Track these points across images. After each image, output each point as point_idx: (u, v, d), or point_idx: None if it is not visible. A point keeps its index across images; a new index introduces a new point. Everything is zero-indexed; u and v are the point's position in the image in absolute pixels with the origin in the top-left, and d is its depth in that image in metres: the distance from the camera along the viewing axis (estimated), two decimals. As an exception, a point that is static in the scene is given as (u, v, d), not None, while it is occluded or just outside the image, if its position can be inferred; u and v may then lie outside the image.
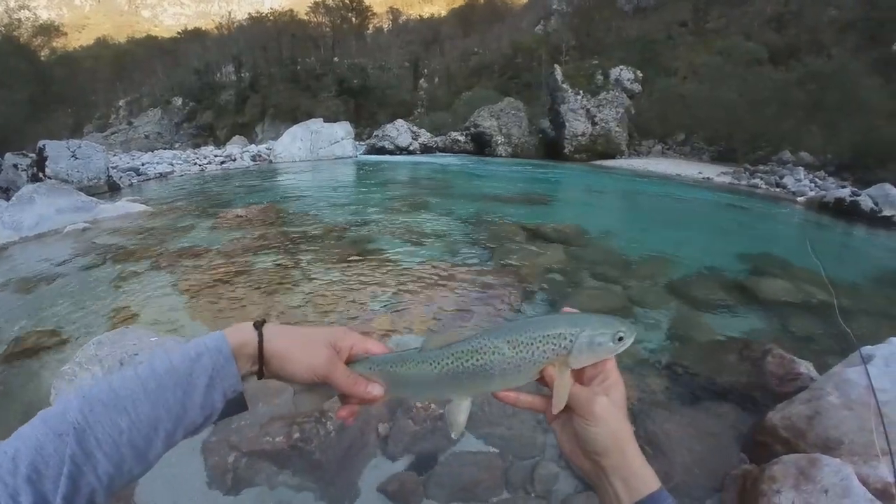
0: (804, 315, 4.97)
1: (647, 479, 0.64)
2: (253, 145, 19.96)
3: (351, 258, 6.29)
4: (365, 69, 29.85)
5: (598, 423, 0.64)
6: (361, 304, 5.08)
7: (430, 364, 0.70)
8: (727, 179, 12.75)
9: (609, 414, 0.65)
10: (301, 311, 4.94)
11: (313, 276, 5.78)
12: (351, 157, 15.98)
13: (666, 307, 5.12)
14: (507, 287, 5.47)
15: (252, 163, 15.31)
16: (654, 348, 4.36)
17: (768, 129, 13.81)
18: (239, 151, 16.99)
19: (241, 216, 7.97)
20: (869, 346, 3.27)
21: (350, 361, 0.74)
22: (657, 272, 6.07)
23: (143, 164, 13.33)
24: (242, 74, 40.43)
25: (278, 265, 6.09)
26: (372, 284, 5.55)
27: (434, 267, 6.03)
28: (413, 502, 2.90)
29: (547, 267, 6.19)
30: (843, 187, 10.70)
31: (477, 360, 0.68)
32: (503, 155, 17.30)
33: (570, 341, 0.65)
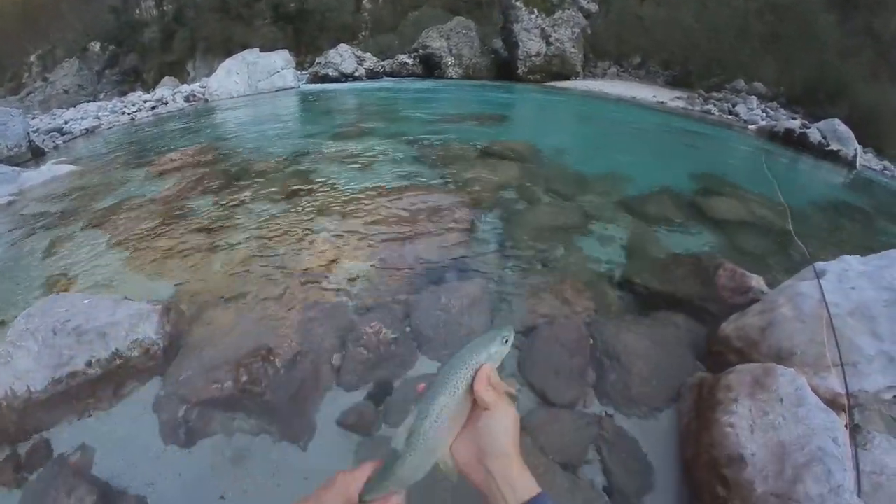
0: (753, 234, 5.10)
1: (530, 484, 0.72)
2: (185, 85, 18.02)
3: (295, 189, 5.92)
4: (302, -9, 26.96)
5: (497, 413, 0.77)
6: (306, 234, 4.79)
7: (413, 449, 0.79)
8: (681, 104, 12.76)
9: (507, 407, 0.78)
10: (245, 248, 4.61)
11: (256, 211, 5.41)
12: (293, 88, 14.79)
13: (620, 223, 5.14)
14: (457, 205, 5.28)
15: (186, 104, 13.86)
16: (608, 263, 4.36)
17: (724, 56, 13.83)
18: (170, 93, 15.32)
19: (176, 160, 7.31)
20: (821, 262, 3.30)
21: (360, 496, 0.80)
22: (611, 189, 6.05)
23: (66, 123, 11.87)
24: (165, 7, 35.36)
25: (218, 205, 5.66)
26: (317, 214, 5.24)
27: (381, 191, 5.75)
28: (374, 432, 2.81)
29: (500, 184, 6.02)
30: (794, 119, 10.91)
31: (435, 419, 0.79)
32: (454, 77, 16.50)
33: (479, 363, 0.82)
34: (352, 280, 4.01)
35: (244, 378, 3.14)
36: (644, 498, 2.44)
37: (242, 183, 6.23)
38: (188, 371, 3.24)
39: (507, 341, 0.86)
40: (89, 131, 11.01)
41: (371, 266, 4.16)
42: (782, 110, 12.42)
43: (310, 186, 5.95)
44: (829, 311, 2.86)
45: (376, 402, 2.98)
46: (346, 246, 4.52)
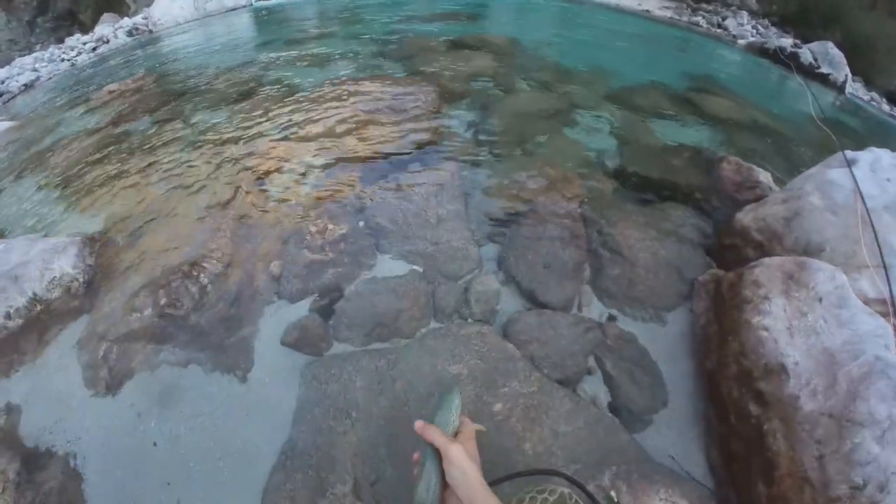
0: (753, 135, 4.55)
1: None
2: (126, 19, 15.41)
3: (242, 95, 5.08)
4: None
5: (452, 464, 0.86)
6: (252, 138, 4.05)
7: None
8: (668, 14, 11.66)
9: (460, 457, 0.87)
10: (184, 163, 3.87)
11: (197, 123, 4.61)
12: (245, 6, 12.85)
13: (608, 112, 4.50)
14: (424, 93, 4.48)
15: (129, 38, 11.89)
16: (601, 152, 3.74)
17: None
18: (111, 30, 13.06)
19: (114, 91, 6.25)
20: (850, 151, 2.80)
21: None
22: (597, 81, 5.33)
23: (2, 83, 9.99)
24: None
25: (156, 124, 4.83)
26: (266, 116, 4.46)
27: (340, 85, 4.88)
28: (324, 349, 2.24)
29: (473, 73, 5.21)
30: (785, 38, 10.25)
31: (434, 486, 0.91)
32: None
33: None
34: (299, 179, 3.36)
35: (163, 301, 2.50)
36: (656, 417, 1.98)
37: (184, 99, 5.35)
38: (111, 304, 2.61)
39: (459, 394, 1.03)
40: (28, 86, 9.43)
41: (322, 162, 3.49)
42: (773, 28, 11.60)
43: (257, 91, 5.12)
44: (865, 204, 2.40)
45: (324, 314, 2.40)
46: (297, 145, 3.83)
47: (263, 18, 12.01)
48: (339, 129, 3.91)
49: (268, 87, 5.23)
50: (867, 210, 2.35)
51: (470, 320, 2.29)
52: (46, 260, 2.71)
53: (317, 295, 2.47)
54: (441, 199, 2.94)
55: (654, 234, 2.69)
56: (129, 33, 13.00)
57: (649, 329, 2.28)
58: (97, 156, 4.39)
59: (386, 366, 2.07)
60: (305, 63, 6.01)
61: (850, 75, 8.91)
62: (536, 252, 2.57)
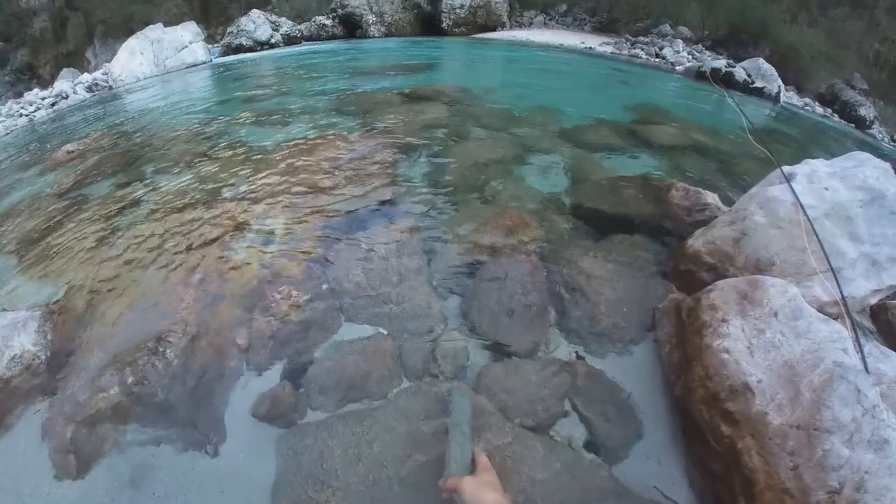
0: (696, 158, 4.78)
1: None
2: (86, 74, 15.55)
3: (201, 157, 5.06)
4: (207, -45, 24.20)
5: (464, 494, 1.06)
6: (211, 201, 4.00)
7: None
8: (609, 49, 12.39)
9: (470, 487, 1.08)
10: (143, 229, 3.75)
11: (156, 187, 4.54)
12: (205, 63, 13.17)
13: (559, 151, 4.64)
14: (379, 148, 4.58)
15: (89, 94, 11.96)
16: (553, 190, 3.84)
17: (649, 2, 13.64)
18: (70, 86, 13.13)
19: (72, 151, 6.13)
20: (787, 166, 2.93)
21: None
22: (546, 121, 5.53)
23: None
24: None
25: (117, 186, 4.75)
26: (225, 178, 4.43)
27: (295, 145, 4.96)
28: (297, 418, 2.15)
29: (427, 123, 5.34)
30: (719, 59, 10.92)
31: None
32: (377, 35, 15.26)
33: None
34: (260, 243, 3.31)
35: (130, 379, 2.41)
36: (634, 449, 1.95)
37: (143, 160, 5.31)
38: (75, 382, 2.50)
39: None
40: (-16, 142, 9.27)
41: (283, 224, 3.47)
42: (707, 52, 12.42)
43: (217, 151, 5.11)
44: (806, 214, 2.48)
45: (294, 382, 2.33)
46: (256, 207, 3.79)
47: (222, 75, 12.18)
48: (298, 189, 3.93)
49: (227, 147, 5.25)
50: (809, 220, 2.44)
51: (440, 377, 2.25)
52: (6, 337, 2.56)
53: (285, 362, 2.41)
54: (402, 256, 2.94)
55: (613, 268, 2.72)
56: (89, 89, 13.00)
57: (617, 363, 2.27)
58: (54, 220, 4.27)
59: (361, 430, 2.01)
60: (263, 121, 6.08)
61: (782, 86, 9.50)
62: (499, 301, 2.57)
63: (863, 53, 12.50)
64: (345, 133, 5.13)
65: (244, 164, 4.62)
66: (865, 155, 2.72)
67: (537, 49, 12.32)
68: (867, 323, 2.77)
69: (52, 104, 11.61)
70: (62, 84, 14.25)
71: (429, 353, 2.39)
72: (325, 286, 2.81)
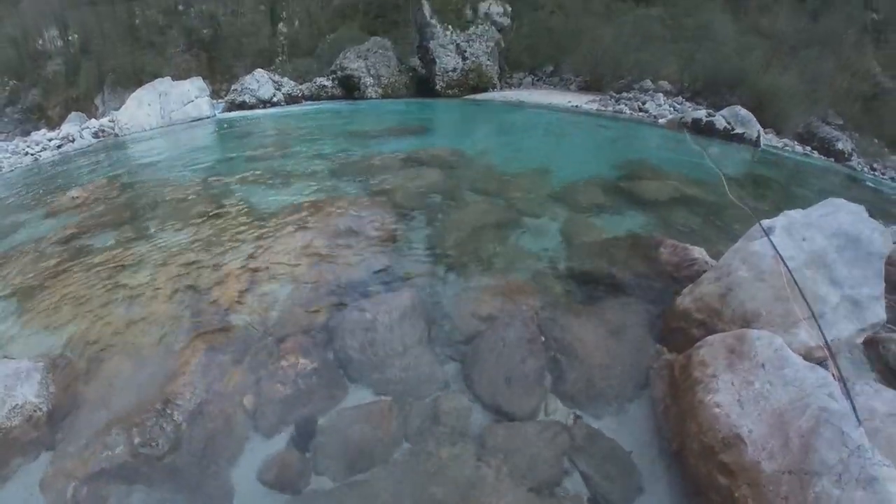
0: (683, 211, 4.94)
1: None
2: (93, 120, 16.08)
3: (205, 217, 5.16)
4: (215, 16, 25.63)
5: None
6: (216, 263, 4.07)
7: None
8: (595, 106, 13.00)
9: None
10: (148, 286, 3.83)
11: (161, 244, 4.62)
12: (209, 117, 13.72)
13: (552, 214, 4.82)
14: (380, 214, 4.74)
15: (95, 139, 12.36)
16: (547, 254, 3.96)
17: (631, 60, 14.37)
18: (77, 130, 13.57)
19: (77, 198, 6.27)
20: (766, 220, 3.09)
21: None
22: (538, 184, 5.75)
23: None
24: (70, 38, 31.61)
25: (120, 240, 4.83)
26: (229, 239, 4.52)
27: (296, 208, 5.11)
28: (302, 484, 2.19)
29: (424, 189, 5.55)
30: (700, 109, 11.43)
31: None
32: (374, 97, 16.02)
33: None
34: (265, 309, 3.37)
35: (137, 440, 2.44)
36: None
37: (148, 215, 5.41)
38: (78, 438, 2.51)
39: None
40: (-13, 175, 9.45)
41: (286, 290, 3.55)
42: (687, 103, 13.01)
43: (221, 211, 5.22)
44: (787, 266, 2.62)
45: (301, 448, 2.37)
46: (259, 272, 3.88)
47: (225, 131, 12.46)
48: (302, 254, 4.03)
49: (230, 208, 5.35)
50: (790, 271, 2.58)
51: (444, 441, 2.29)
52: (9, 386, 2.60)
53: (292, 428, 2.44)
54: (404, 324, 3.03)
55: (606, 330, 2.84)
56: (95, 134, 13.29)
57: (615, 423, 2.35)
58: (59, 268, 4.30)
59: (368, 497, 2.03)
60: (265, 182, 6.24)
61: (761, 130, 9.91)
62: (498, 366, 2.66)
63: (835, 90, 13.11)
64: (345, 197, 5.31)
65: (247, 226, 4.73)
66: (840, 201, 2.89)
67: (526, 109, 12.90)
68: (862, 358, 2.86)
69: (59, 146, 11.87)
70: (69, 127, 14.63)
71: (432, 417, 2.45)
72: (330, 354, 2.88)
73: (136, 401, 2.61)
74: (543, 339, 2.88)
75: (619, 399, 2.43)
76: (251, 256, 4.16)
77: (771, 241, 2.84)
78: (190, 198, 5.91)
